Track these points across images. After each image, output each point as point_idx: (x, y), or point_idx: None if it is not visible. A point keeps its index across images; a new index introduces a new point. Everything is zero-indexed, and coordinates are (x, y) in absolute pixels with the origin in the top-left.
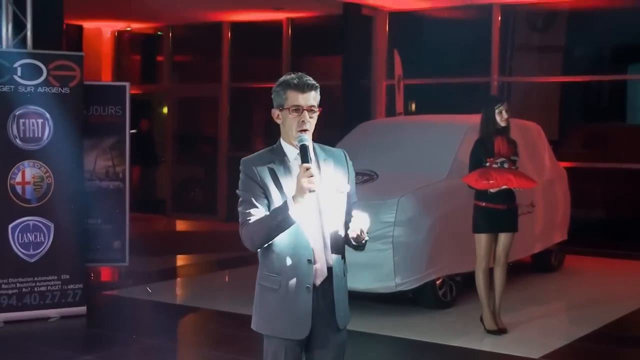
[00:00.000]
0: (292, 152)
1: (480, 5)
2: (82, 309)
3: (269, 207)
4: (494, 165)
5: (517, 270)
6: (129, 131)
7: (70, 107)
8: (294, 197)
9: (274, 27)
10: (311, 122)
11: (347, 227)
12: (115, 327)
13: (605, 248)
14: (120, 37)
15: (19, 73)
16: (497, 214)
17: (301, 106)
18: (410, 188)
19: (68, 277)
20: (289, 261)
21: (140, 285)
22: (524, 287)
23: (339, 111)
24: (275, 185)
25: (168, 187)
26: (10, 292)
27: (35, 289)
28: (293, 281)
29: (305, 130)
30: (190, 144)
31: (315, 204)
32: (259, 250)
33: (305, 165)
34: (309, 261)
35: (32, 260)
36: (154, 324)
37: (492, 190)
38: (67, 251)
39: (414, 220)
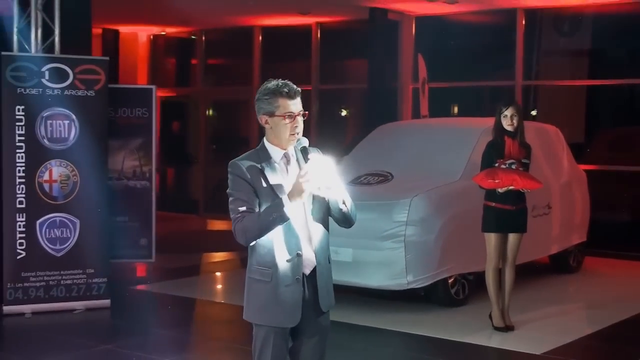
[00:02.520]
0: (277, 154)
1: (504, 10)
2: (106, 302)
3: (259, 204)
4: (502, 166)
5: (535, 271)
6: (155, 132)
7: (95, 109)
8: (289, 196)
9: (303, 32)
10: (301, 126)
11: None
12: (137, 319)
13: (628, 250)
14: (155, 41)
15: (46, 76)
16: (506, 214)
17: (293, 113)
18: (423, 189)
19: (93, 271)
20: (280, 255)
21: (164, 281)
22: (540, 287)
23: (364, 114)
24: (264, 183)
25: (201, 188)
26: (38, 284)
27: (62, 282)
28: (284, 274)
29: (297, 134)
30: (223, 146)
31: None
32: (251, 245)
33: (305, 168)
34: (298, 254)
35: (59, 254)
36: (175, 317)
37: (500, 191)
38: (92, 246)
39: (426, 220)
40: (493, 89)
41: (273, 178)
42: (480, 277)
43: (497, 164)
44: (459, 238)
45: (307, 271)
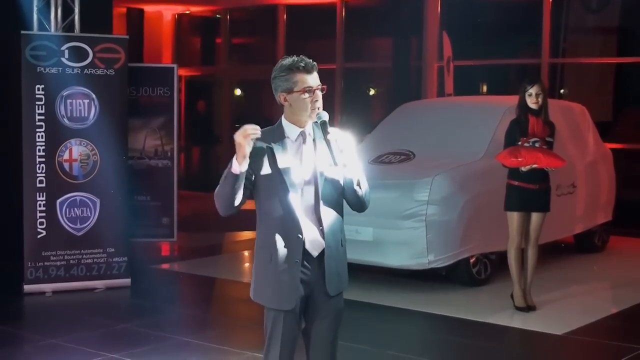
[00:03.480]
0: (294, 132)
1: None
2: (127, 281)
3: (254, 183)
4: (526, 145)
5: (560, 251)
6: (177, 111)
7: (115, 88)
8: (236, 156)
9: (328, 9)
10: (321, 100)
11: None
12: (157, 298)
13: None
14: (180, 20)
15: (66, 55)
16: (529, 193)
17: (312, 87)
18: (445, 167)
19: (113, 250)
20: (279, 237)
21: (186, 260)
22: (564, 267)
23: (389, 92)
24: (269, 162)
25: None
26: (58, 263)
27: (82, 261)
28: (282, 255)
29: (317, 108)
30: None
31: (312, 179)
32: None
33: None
34: (298, 237)
35: (79, 233)
36: (195, 295)
37: (523, 169)
38: (112, 226)
39: (447, 199)
40: (520, 67)
41: (282, 157)
42: (502, 256)
43: (520, 142)
44: (481, 217)
45: (315, 253)
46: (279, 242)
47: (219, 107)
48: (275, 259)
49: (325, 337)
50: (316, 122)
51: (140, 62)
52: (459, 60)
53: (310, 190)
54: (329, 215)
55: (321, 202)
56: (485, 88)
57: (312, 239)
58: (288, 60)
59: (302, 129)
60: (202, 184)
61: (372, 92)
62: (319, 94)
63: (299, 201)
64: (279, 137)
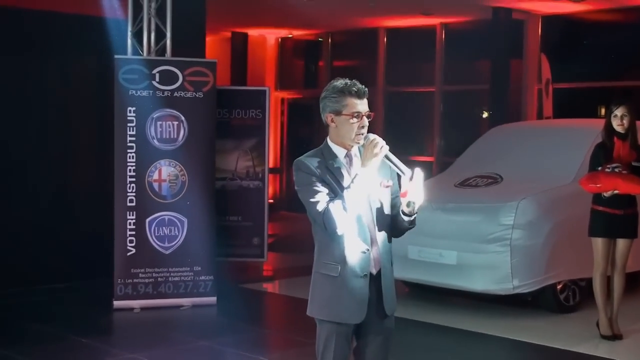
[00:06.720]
0: (340, 153)
1: (636, 7)
2: (213, 299)
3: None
4: (607, 169)
5: None
6: (268, 133)
7: (203, 110)
8: (363, 164)
9: (428, 32)
10: (367, 126)
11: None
12: (241, 317)
13: None
14: (283, 44)
15: (157, 79)
16: (614, 218)
17: (360, 112)
18: (532, 191)
19: (200, 268)
20: (350, 249)
21: (275, 280)
22: None
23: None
24: (332, 179)
25: None
26: (147, 280)
27: (170, 278)
28: (353, 268)
29: (362, 134)
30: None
31: (366, 200)
32: (319, 240)
33: (371, 135)
34: (367, 250)
35: (167, 252)
36: (279, 316)
37: (605, 195)
38: (199, 245)
39: (533, 223)
40: (623, 90)
41: (339, 175)
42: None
43: (601, 168)
44: (569, 243)
45: (374, 270)
46: (350, 254)
47: (320, 129)
48: (345, 272)
49: (377, 356)
50: (363, 144)
51: (244, 84)
52: (558, 83)
53: (368, 208)
54: (381, 235)
55: (375, 222)
56: (587, 111)
57: (372, 256)
58: (341, 83)
59: (347, 151)
60: (301, 205)
61: (486, 114)
62: (366, 120)
63: (364, 217)
64: (331, 157)
